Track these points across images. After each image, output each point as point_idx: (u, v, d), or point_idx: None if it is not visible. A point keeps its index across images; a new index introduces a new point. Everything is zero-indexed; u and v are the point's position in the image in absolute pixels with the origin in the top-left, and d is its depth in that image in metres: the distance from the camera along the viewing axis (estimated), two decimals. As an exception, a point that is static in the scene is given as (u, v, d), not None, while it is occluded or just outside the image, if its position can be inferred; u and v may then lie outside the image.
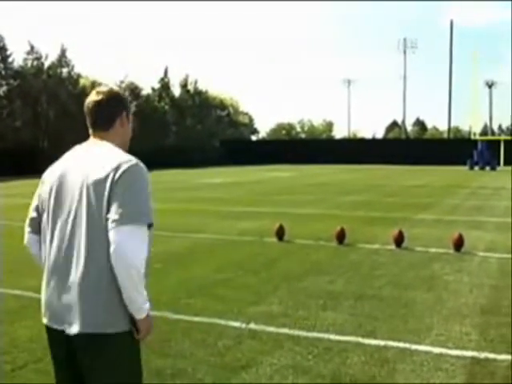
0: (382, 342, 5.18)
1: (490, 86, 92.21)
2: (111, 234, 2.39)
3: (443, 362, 4.72)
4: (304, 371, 4.54)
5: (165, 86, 65.83)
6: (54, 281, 2.57)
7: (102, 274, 2.45)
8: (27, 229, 2.83)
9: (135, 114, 52.46)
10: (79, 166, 2.60)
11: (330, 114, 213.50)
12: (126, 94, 55.87)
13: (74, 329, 2.48)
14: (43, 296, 2.65)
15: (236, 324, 5.74)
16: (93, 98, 2.78)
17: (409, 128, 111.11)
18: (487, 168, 46.08)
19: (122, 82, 60.52)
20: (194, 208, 16.72)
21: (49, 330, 2.64)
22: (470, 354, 4.91)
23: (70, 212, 2.54)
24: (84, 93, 52.87)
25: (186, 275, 7.99)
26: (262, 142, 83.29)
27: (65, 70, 51.87)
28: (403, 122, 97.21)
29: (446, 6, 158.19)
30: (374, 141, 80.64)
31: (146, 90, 63.87)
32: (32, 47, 49.61)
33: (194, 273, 8.16)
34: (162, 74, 66.26)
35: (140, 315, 2.53)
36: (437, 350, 5.01)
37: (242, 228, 12.46)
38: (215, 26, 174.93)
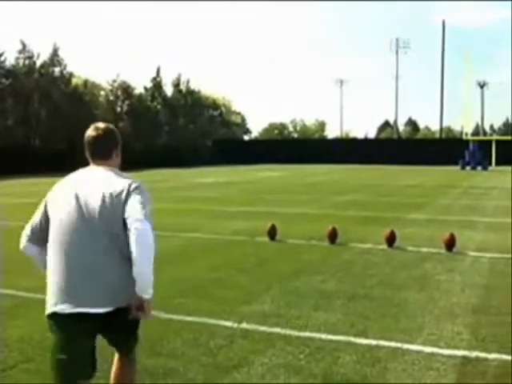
0: (373, 342, 5.19)
1: (481, 86, 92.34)
2: (137, 224, 3.05)
3: (434, 362, 4.73)
4: (296, 370, 4.55)
5: (157, 85, 65.67)
6: (77, 270, 3.09)
7: (119, 259, 3.12)
8: (27, 234, 3.33)
9: (127, 113, 51.95)
10: (94, 179, 3.24)
11: (322, 114, 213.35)
12: (119, 93, 55.50)
13: (101, 307, 3.09)
14: (62, 286, 3.10)
15: (228, 323, 5.73)
16: (92, 133, 3.36)
17: (401, 128, 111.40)
18: (479, 168, 46.25)
19: (114, 81, 60.39)
20: (186, 207, 16.70)
21: (65, 315, 3.08)
22: (461, 353, 4.93)
23: (90, 213, 3.12)
24: (76, 92, 52.89)
25: (179, 275, 7.98)
26: (254, 142, 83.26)
27: (57, 69, 51.68)
28: (395, 121, 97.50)
29: (438, 6, 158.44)
30: (366, 141, 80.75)
31: (139, 90, 63.75)
32: (24, 46, 49.41)
33: (187, 272, 8.16)
34: (154, 74, 66.19)
35: (148, 294, 3.17)
36: (428, 349, 5.02)
37: (235, 228, 12.45)
38: (206, 26, 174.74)
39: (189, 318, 5.93)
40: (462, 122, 58.87)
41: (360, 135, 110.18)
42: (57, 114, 47.80)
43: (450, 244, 9.57)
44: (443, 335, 5.39)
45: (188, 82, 69.40)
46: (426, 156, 57.70)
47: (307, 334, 5.44)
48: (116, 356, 3.48)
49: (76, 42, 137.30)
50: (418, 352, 4.95)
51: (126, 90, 60.47)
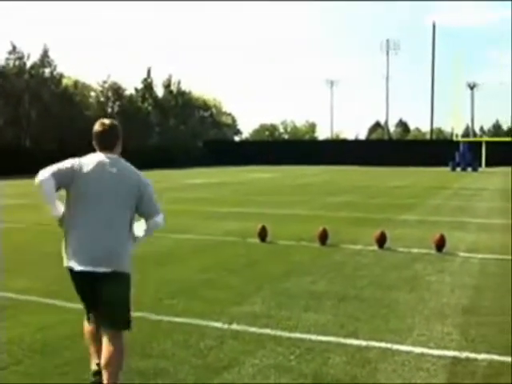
0: (363, 343, 5.20)
1: (471, 87, 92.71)
2: (160, 219, 4.19)
3: (424, 362, 4.74)
4: (286, 371, 4.55)
5: (148, 86, 65.66)
6: (94, 234, 3.83)
7: (127, 233, 3.99)
8: (54, 170, 3.83)
9: (118, 114, 51.84)
10: (112, 164, 3.97)
11: (312, 115, 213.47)
12: (109, 93, 55.41)
13: (108, 268, 3.83)
14: (77, 245, 3.84)
15: (218, 324, 5.73)
16: (99, 127, 4.02)
17: (392, 129, 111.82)
18: (469, 169, 46.46)
19: (104, 82, 60.30)
20: (177, 208, 16.66)
21: (77, 272, 3.83)
22: (451, 353, 4.94)
23: (108, 193, 3.90)
24: (66, 92, 52.74)
25: (169, 276, 7.96)
26: (245, 143, 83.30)
27: (47, 70, 51.56)
28: (386, 122, 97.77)
29: (429, 8, 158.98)
30: (356, 142, 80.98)
31: (129, 91, 63.68)
32: (14, 47, 49.27)
33: (177, 273, 8.14)
34: (145, 75, 66.09)
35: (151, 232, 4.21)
36: (418, 349, 5.03)
37: (226, 229, 12.45)
38: (196, 28, 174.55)
39: (179, 319, 5.91)
40: (453, 124, 59.28)
41: (351, 136, 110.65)
42: (47, 115, 47.68)
43: (441, 245, 9.61)
44: (433, 336, 5.40)
45: (179, 82, 69.46)
46: (416, 157, 57.96)
47: (297, 334, 5.44)
48: (105, 338, 3.88)
49: (66, 42, 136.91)
50: (408, 353, 4.96)
51: (117, 90, 60.40)
